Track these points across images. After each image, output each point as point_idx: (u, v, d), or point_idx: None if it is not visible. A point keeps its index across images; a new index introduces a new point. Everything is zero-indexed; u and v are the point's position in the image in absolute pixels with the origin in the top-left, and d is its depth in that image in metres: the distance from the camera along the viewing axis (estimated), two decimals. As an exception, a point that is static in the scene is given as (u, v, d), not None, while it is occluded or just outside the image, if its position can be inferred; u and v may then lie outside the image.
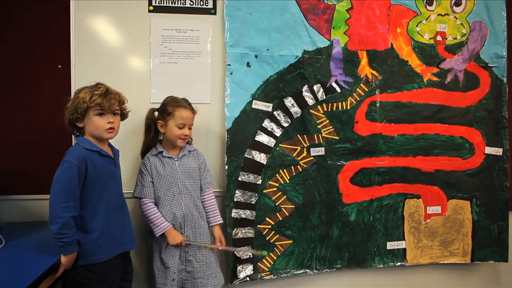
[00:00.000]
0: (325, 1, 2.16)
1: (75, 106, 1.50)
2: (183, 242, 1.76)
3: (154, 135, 1.85)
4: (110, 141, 1.66)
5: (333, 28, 2.16)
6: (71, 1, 1.96)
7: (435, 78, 2.27)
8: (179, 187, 1.80)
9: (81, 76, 1.93)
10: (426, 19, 2.26)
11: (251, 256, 2.05)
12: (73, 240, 1.41)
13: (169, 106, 1.79)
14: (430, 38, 2.27)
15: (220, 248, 1.88)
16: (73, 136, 1.73)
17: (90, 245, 1.47)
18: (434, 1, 2.27)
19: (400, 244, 2.26)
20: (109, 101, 1.51)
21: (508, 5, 2.31)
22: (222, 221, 1.93)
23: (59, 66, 2.01)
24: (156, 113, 1.86)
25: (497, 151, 2.32)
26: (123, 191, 1.69)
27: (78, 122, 1.53)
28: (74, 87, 1.92)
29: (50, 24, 2.00)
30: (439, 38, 2.28)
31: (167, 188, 1.79)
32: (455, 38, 2.29)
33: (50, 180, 1.42)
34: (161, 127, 1.81)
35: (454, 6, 2.29)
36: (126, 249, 1.63)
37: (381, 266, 2.24)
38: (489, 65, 2.31)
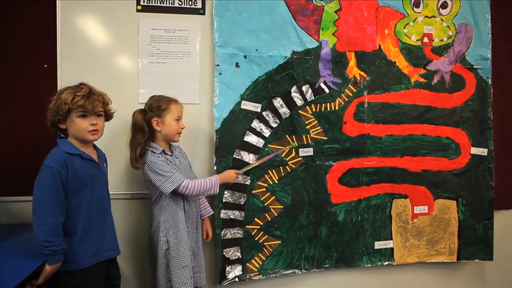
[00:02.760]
0: (314, 2, 2.17)
1: (57, 108, 1.47)
2: (237, 172, 1.92)
3: (149, 134, 1.77)
4: (96, 142, 1.64)
5: (322, 29, 2.17)
6: (57, 0, 1.94)
7: (422, 80, 2.30)
8: None
9: (67, 76, 1.90)
10: (413, 21, 2.29)
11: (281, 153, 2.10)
12: (61, 249, 1.39)
13: (163, 102, 1.77)
14: (417, 40, 2.30)
15: (266, 158, 2.01)
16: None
17: (70, 251, 1.44)
18: (421, 3, 2.30)
19: (388, 244, 2.28)
20: (92, 103, 1.48)
21: (492, 8, 2.36)
22: (212, 212, 2.00)
23: (45, 65, 1.98)
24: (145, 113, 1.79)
25: (482, 151, 2.36)
26: (110, 193, 1.68)
27: (60, 124, 1.50)
28: (60, 87, 1.87)
29: (36, 22, 1.97)
30: (426, 40, 2.31)
31: None
32: (442, 40, 2.33)
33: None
34: (157, 125, 1.76)
35: (440, 8, 2.33)
36: (109, 256, 1.59)
37: (369, 265, 2.26)
38: (474, 67, 2.35)
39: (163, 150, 1.78)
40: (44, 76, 1.97)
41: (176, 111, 1.79)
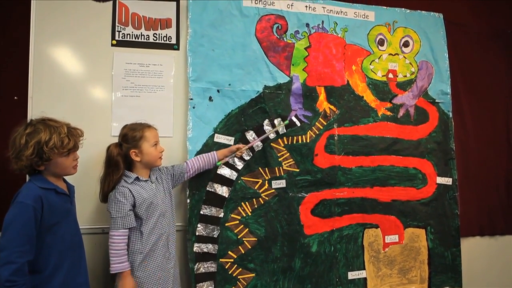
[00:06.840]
0: (285, 40, 2.27)
1: (36, 153, 1.40)
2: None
3: (124, 170, 1.75)
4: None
5: (293, 65, 2.26)
6: (31, 31, 1.94)
7: (388, 113, 2.41)
8: (161, 209, 1.77)
9: (38, 109, 1.86)
10: (379, 58, 2.43)
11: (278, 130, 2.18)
12: None
13: (136, 132, 1.76)
14: (382, 76, 2.43)
15: (251, 144, 2.10)
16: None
17: (40, 287, 1.40)
18: (385, 42, 2.45)
19: (361, 274, 2.30)
20: (75, 139, 1.50)
21: (449, 48, 2.56)
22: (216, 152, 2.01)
23: (15, 97, 1.95)
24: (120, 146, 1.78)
25: (447, 180, 2.47)
26: (80, 227, 1.64)
27: (38, 166, 1.45)
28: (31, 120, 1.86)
29: (6, 52, 1.96)
30: (390, 75, 2.44)
31: (152, 212, 1.73)
32: (405, 76, 2.47)
33: (1, 220, 1.36)
34: (136, 156, 1.74)
35: (403, 46, 2.49)
36: None
37: (343, 296, 2.26)
38: (436, 101, 2.50)
39: (137, 177, 1.76)
40: (13, 109, 1.94)
41: (152, 136, 1.78)
